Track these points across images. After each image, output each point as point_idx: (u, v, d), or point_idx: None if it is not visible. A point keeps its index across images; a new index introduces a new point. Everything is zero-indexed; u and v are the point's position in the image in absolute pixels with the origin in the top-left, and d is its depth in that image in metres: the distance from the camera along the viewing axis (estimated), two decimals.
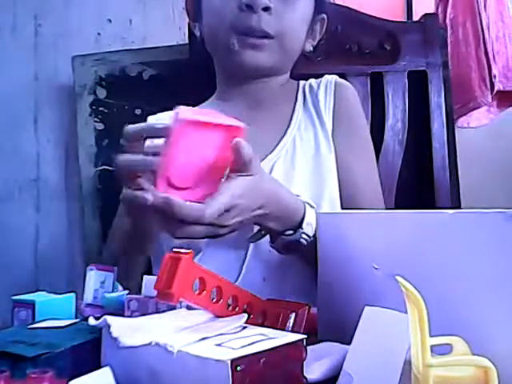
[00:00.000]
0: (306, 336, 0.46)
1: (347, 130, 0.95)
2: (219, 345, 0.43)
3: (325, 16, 1.00)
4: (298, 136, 0.93)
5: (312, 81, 1.00)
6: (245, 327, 0.48)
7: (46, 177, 1.49)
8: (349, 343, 0.48)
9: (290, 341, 0.45)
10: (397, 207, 1.11)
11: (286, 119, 0.95)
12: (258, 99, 0.96)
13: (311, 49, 1.00)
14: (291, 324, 0.57)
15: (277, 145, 0.93)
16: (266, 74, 0.94)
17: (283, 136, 0.93)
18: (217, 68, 0.99)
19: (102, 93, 1.35)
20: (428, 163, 1.18)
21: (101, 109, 1.35)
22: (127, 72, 1.33)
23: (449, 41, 1.31)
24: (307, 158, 0.92)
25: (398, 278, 0.40)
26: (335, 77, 0.99)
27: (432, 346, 0.38)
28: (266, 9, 0.87)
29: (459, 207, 1.17)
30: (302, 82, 1.00)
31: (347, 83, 1.00)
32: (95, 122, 1.35)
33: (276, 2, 0.88)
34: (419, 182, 1.21)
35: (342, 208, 0.91)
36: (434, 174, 1.17)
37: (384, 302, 0.47)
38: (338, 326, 0.56)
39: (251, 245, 0.84)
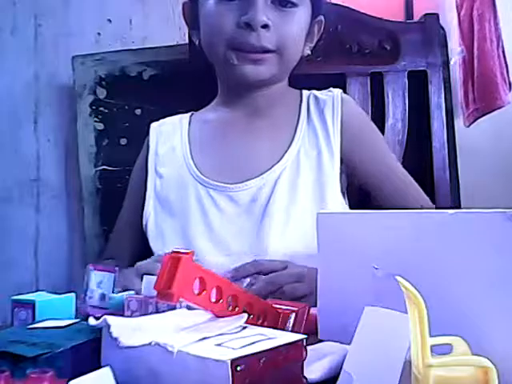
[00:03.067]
0: (305, 336, 0.46)
1: (359, 142, 0.96)
2: (219, 345, 0.43)
3: (322, 18, 1.00)
4: (303, 147, 0.94)
5: (316, 93, 1.00)
6: (245, 327, 0.48)
7: (46, 177, 1.49)
8: (349, 343, 0.48)
9: (290, 341, 0.45)
10: None
11: (290, 130, 0.96)
12: (257, 107, 0.97)
13: (309, 52, 1.00)
14: (291, 324, 0.57)
15: (283, 155, 0.93)
16: (265, 84, 0.95)
17: (289, 147, 0.94)
18: (217, 75, 1.00)
19: (102, 93, 1.35)
20: (428, 163, 1.18)
21: (101, 109, 1.35)
22: (127, 72, 1.33)
23: (476, 37, 1.31)
24: (311, 169, 0.93)
25: (398, 278, 0.40)
26: (340, 91, 0.99)
27: (432, 346, 0.38)
28: (265, 26, 0.88)
29: (459, 207, 1.17)
30: (305, 92, 1.01)
31: (351, 98, 1.01)
32: (95, 121, 1.35)
33: (274, 18, 0.89)
34: (419, 182, 1.20)
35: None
36: (433, 174, 1.17)
37: (384, 302, 0.47)
38: (338, 326, 0.56)
39: None
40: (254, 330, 0.48)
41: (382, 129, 1.18)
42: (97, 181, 1.35)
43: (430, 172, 1.18)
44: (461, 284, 0.48)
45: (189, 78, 1.15)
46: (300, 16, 0.93)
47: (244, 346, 0.42)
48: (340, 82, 1.18)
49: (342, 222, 0.58)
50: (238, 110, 0.98)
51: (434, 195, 1.17)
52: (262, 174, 0.92)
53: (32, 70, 1.49)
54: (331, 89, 1.01)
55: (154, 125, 1.04)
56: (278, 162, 0.93)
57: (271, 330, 0.48)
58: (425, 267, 0.49)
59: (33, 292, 0.65)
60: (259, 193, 0.91)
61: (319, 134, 0.95)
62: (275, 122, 0.97)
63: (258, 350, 0.42)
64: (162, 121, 1.05)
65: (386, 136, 1.18)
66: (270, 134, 0.96)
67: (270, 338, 0.45)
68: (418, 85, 1.19)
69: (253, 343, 0.43)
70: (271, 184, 0.91)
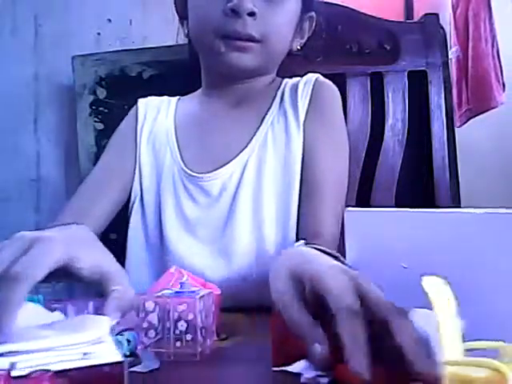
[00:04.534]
0: (124, 359, 0.41)
1: (318, 120, 0.93)
2: (14, 363, 0.38)
3: (313, 14, 0.99)
4: (271, 130, 0.93)
5: (295, 79, 0.99)
6: (100, 342, 0.43)
7: (46, 177, 1.49)
8: None
9: (90, 364, 0.40)
10: (396, 207, 1.11)
11: (261, 115, 0.95)
12: (241, 98, 0.97)
13: (299, 47, 0.99)
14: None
15: (250, 141, 0.93)
16: (250, 75, 0.94)
17: (256, 131, 0.93)
18: (202, 66, 0.99)
19: (102, 93, 1.35)
20: (428, 163, 1.18)
21: (101, 109, 1.35)
22: (127, 72, 1.33)
23: (470, 36, 1.31)
24: (278, 151, 0.91)
25: (423, 281, 0.39)
26: (318, 75, 0.98)
27: (478, 350, 0.38)
28: (251, 14, 0.87)
29: (459, 207, 1.17)
30: (285, 80, 1.00)
31: (329, 82, 0.98)
32: (95, 122, 1.35)
33: (261, 6, 0.88)
34: (419, 182, 1.21)
35: (300, 197, 0.89)
36: (434, 174, 1.17)
37: (412, 300, 0.46)
38: None
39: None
40: (95, 346, 0.42)
41: (381, 129, 1.18)
42: None
43: (430, 172, 1.18)
44: (491, 284, 0.48)
45: (189, 78, 1.15)
46: (289, 8, 0.92)
47: (33, 366, 0.38)
48: (340, 81, 1.18)
49: (370, 219, 0.58)
50: (222, 101, 0.97)
51: (433, 195, 1.17)
52: (230, 162, 0.91)
53: (32, 70, 1.49)
54: (309, 73, 0.98)
55: (142, 100, 1.04)
56: (245, 148, 0.92)
57: (111, 349, 0.42)
58: (454, 266, 0.48)
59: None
60: (229, 181, 0.90)
61: (289, 116, 0.93)
62: (253, 111, 0.96)
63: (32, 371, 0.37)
64: (149, 98, 1.04)
65: (385, 136, 1.18)
66: (243, 121, 0.95)
67: (83, 359, 0.40)
68: (418, 85, 1.19)
69: (53, 363, 0.39)
70: (239, 171, 0.90)
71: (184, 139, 0.97)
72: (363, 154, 1.15)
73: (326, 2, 1.17)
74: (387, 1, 1.44)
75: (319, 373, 0.46)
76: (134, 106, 1.04)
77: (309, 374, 0.47)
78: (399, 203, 1.15)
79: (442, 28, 1.24)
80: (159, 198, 0.93)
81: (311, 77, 0.97)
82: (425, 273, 0.41)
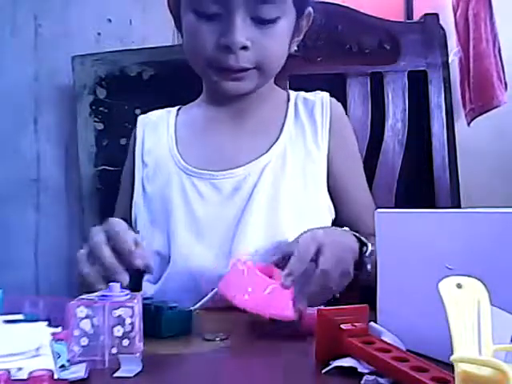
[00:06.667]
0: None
1: (343, 147, 0.97)
2: None
3: (311, 10, 0.96)
4: (290, 143, 0.95)
5: (304, 94, 1.00)
6: (36, 355, 0.42)
7: (46, 177, 1.49)
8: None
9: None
10: (396, 207, 1.11)
11: (277, 126, 0.96)
12: (243, 108, 0.98)
13: (296, 48, 0.98)
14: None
15: (270, 148, 0.94)
16: (249, 93, 0.94)
17: (276, 140, 0.94)
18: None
19: (101, 93, 1.35)
20: (428, 163, 1.18)
21: (101, 109, 1.35)
22: (127, 72, 1.33)
23: (471, 37, 1.31)
24: (297, 166, 0.93)
25: (440, 284, 0.40)
26: (327, 94, 0.99)
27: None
28: (244, 47, 0.86)
29: (459, 207, 1.17)
30: (292, 93, 1.01)
31: (337, 102, 1.01)
32: (95, 122, 1.35)
33: (254, 36, 0.86)
34: (419, 182, 1.21)
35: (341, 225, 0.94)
36: (434, 174, 1.17)
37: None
38: (397, 326, 0.55)
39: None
40: (31, 360, 0.41)
41: (381, 129, 1.18)
42: (97, 181, 1.35)
43: (430, 172, 1.18)
44: None
45: (188, 78, 1.15)
46: (282, 29, 0.90)
47: None
48: (340, 81, 1.18)
49: (400, 220, 0.58)
50: (224, 110, 0.98)
51: (433, 195, 1.17)
52: (247, 164, 0.92)
53: (32, 70, 1.49)
54: (318, 91, 1.00)
55: (141, 117, 1.06)
56: (265, 154, 0.93)
57: (48, 363, 0.40)
58: (489, 267, 0.48)
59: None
60: (243, 182, 0.91)
61: (307, 133, 0.95)
62: (261, 118, 0.97)
63: None
64: (149, 113, 1.06)
65: (385, 136, 1.18)
66: (255, 129, 0.96)
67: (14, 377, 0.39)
68: (417, 85, 1.19)
69: None
70: (256, 174, 0.91)
71: (188, 144, 0.98)
72: (363, 154, 1.16)
73: (326, 2, 1.17)
74: (387, 1, 1.43)
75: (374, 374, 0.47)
76: (134, 129, 1.05)
77: (368, 377, 0.47)
78: (399, 203, 1.15)
79: (442, 28, 1.24)
80: (166, 198, 0.93)
81: (326, 97, 0.98)
82: (463, 274, 0.41)
